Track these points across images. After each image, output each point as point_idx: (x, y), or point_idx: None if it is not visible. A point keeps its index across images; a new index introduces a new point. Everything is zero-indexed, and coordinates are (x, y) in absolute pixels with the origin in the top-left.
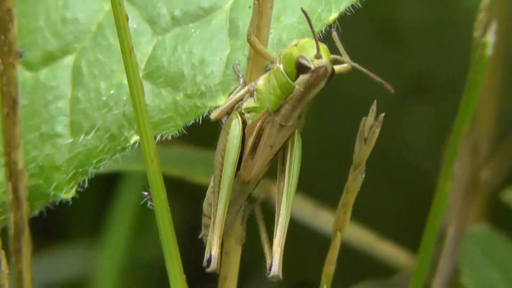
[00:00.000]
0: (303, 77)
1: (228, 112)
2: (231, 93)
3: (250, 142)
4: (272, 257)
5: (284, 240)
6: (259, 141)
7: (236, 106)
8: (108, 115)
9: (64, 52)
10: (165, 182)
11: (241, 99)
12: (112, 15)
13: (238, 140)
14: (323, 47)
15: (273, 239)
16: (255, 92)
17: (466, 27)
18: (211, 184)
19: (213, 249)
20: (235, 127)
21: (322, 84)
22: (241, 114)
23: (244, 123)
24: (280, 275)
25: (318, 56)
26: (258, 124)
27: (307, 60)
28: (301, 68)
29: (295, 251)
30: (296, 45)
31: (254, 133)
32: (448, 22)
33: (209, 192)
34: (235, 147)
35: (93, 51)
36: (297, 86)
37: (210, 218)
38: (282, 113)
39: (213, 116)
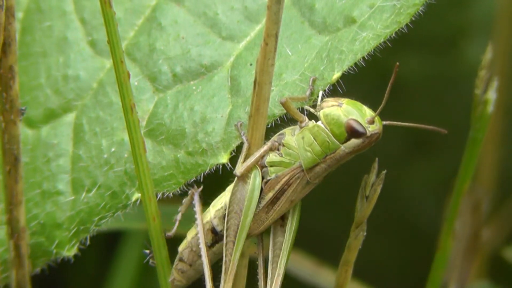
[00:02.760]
0: (354, 141)
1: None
2: (233, 150)
3: (268, 196)
4: None
5: None
6: (281, 196)
7: None
8: (109, 173)
9: (65, 110)
10: (167, 240)
11: (265, 154)
12: (113, 72)
13: (259, 191)
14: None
15: None
16: (281, 147)
17: (468, 82)
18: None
19: None
20: (255, 179)
21: (369, 147)
22: (261, 167)
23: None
24: None
25: (371, 121)
26: (285, 179)
27: (362, 125)
28: (354, 133)
29: None
30: (339, 105)
31: (277, 187)
32: (450, 77)
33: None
34: (255, 199)
35: (94, 108)
36: (343, 147)
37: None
38: (315, 170)
39: (238, 172)
